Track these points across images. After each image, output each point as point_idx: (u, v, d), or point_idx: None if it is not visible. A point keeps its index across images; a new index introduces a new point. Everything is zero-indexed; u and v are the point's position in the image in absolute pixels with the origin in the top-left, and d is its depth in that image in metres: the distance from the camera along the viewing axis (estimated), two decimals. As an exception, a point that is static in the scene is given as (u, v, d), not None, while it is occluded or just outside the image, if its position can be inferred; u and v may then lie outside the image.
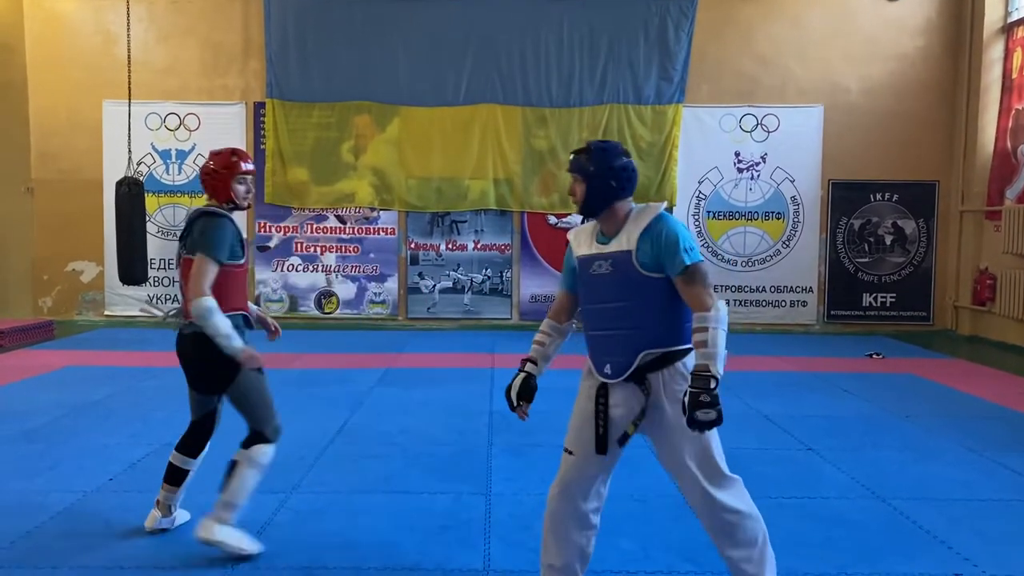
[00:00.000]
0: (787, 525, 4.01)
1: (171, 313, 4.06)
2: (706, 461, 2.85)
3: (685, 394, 2.72)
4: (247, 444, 3.74)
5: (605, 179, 2.92)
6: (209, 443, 3.98)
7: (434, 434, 5.70)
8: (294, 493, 4.48)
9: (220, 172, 3.76)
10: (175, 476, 3.89)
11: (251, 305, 4.05)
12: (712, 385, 2.66)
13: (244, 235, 3.74)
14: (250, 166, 3.84)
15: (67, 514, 4.14)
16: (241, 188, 3.79)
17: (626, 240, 2.90)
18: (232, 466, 3.69)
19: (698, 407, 2.65)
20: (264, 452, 3.73)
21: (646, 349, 2.86)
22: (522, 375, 3.12)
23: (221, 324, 3.54)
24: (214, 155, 3.83)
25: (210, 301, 3.52)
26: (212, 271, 3.58)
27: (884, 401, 6.83)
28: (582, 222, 3.17)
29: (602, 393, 2.93)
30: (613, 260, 2.91)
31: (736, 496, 2.88)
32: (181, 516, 4.00)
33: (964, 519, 4.15)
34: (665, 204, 3.05)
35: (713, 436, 2.86)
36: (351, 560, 3.62)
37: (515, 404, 3.10)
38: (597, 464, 2.98)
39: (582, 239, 3.07)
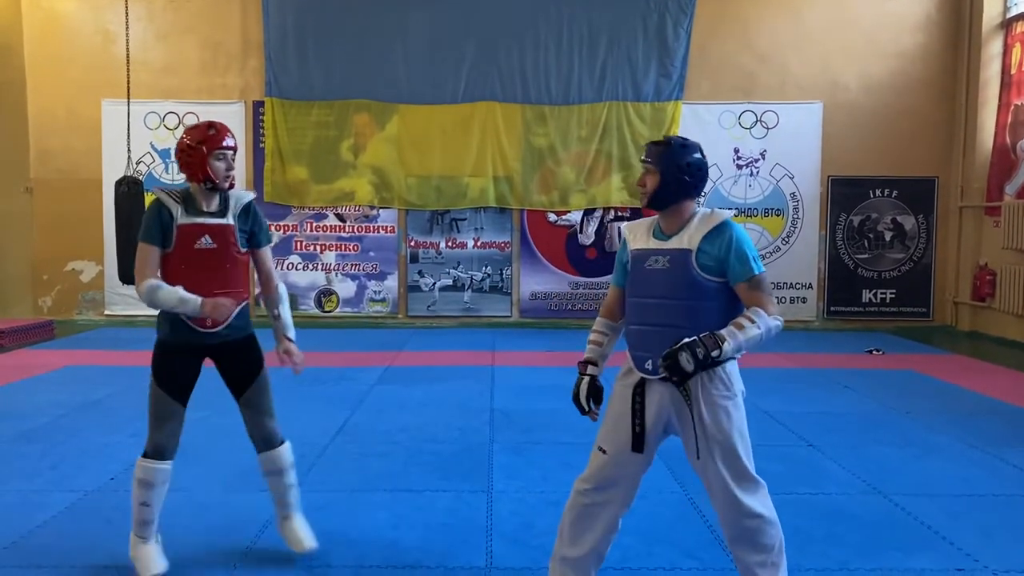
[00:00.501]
0: (788, 521, 3.99)
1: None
2: (735, 463, 2.86)
3: (681, 339, 2.74)
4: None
5: (680, 174, 2.90)
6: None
7: (435, 432, 5.70)
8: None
9: (195, 147, 3.35)
10: None
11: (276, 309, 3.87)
12: (715, 353, 2.69)
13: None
14: (231, 141, 3.46)
15: (68, 514, 4.14)
16: (220, 165, 3.38)
17: (687, 239, 2.89)
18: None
19: (683, 351, 2.67)
20: (139, 465, 3.51)
21: None
22: (587, 378, 3.06)
23: (167, 296, 3.26)
24: (189, 130, 3.44)
25: (149, 282, 3.27)
26: (148, 256, 3.31)
27: (884, 397, 6.84)
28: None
29: (639, 391, 2.92)
30: (671, 256, 2.90)
31: (761, 501, 2.88)
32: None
33: (965, 514, 4.15)
34: (733, 212, 3.05)
35: (743, 441, 2.87)
36: (353, 558, 3.62)
37: (587, 408, 3.04)
38: (632, 464, 2.96)
39: (638, 233, 3.05)
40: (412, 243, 11.25)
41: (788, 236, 11.18)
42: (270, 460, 3.64)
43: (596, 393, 3.05)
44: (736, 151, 11.13)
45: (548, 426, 5.84)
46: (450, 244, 11.22)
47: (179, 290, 3.31)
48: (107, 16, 10.92)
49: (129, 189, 10.08)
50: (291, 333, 3.81)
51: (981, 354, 9.12)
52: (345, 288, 11.29)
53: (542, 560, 3.46)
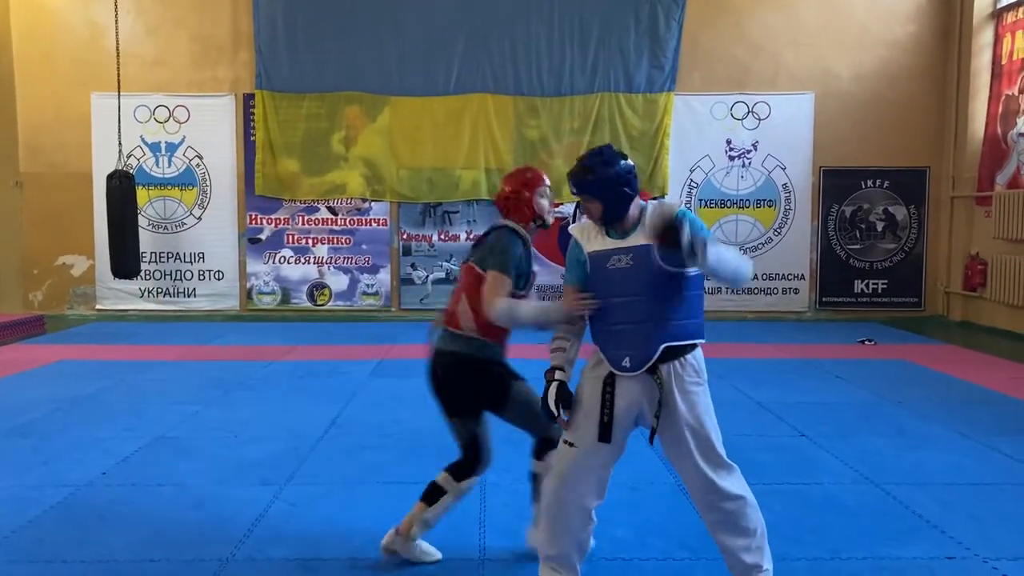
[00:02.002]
0: (781, 511, 4.03)
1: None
2: (709, 449, 2.91)
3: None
4: (540, 454, 3.49)
5: (617, 188, 2.93)
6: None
7: (428, 425, 5.66)
8: (288, 485, 4.48)
9: (519, 191, 3.50)
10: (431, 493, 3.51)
11: None
12: (698, 241, 2.68)
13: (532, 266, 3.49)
14: (547, 181, 3.64)
15: (60, 508, 4.12)
16: (544, 202, 3.54)
17: (646, 235, 2.90)
18: (534, 479, 3.51)
19: (683, 228, 2.67)
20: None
21: (667, 342, 2.89)
22: (555, 384, 3.02)
23: (526, 311, 3.23)
24: (507, 179, 3.62)
25: (503, 301, 3.21)
26: (505, 286, 3.27)
27: (876, 387, 6.86)
28: (574, 217, 3.17)
29: (609, 383, 2.93)
30: (634, 254, 2.91)
31: (737, 483, 2.94)
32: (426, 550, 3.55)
33: (956, 503, 4.17)
34: (681, 203, 3.07)
35: (713, 426, 2.94)
36: (346, 551, 3.62)
37: (557, 413, 2.99)
38: (601, 455, 2.98)
39: (590, 234, 3.04)
40: (404, 236, 11.24)
41: (780, 227, 11.19)
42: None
43: (566, 399, 3.01)
44: (728, 142, 11.13)
45: (541, 418, 5.84)
46: (443, 237, 11.20)
47: (533, 305, 3.32)
48: (96, 9, 10.84)
49: (120, 183, 10.06)
50: None
51: (972, 344, 9.15)
52: (338, 281, 11.26)
53: (534, 552, 3.47)
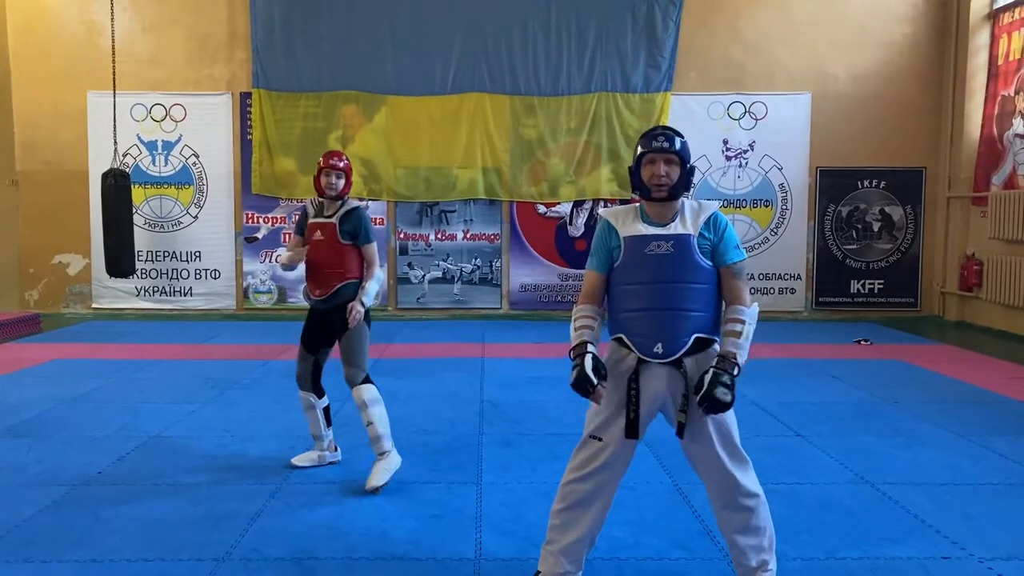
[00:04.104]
0: (777, 510, 4.00)
1: None
2: (730, 443, 2.96)
3: (706, 372, 2.84)
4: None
5: (691, 168, 3.02)
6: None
7: (424, 424, 5.70)
8: (284, 484, 4.47)
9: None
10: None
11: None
12: (736, 372, 2.82)
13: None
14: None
15: (55, 507, 4.12)
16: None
17: (685, 225, 2.97)
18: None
19: (718, 386, 2.78)
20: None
21: (698, 332, 2.93)
22: (590, 355, 2.89)
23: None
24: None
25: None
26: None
27: (872, 387, 6.87)
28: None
29: (633, 379, 2.94)
30: (675, 241, 2.94)
31: (754, 480, 2.99)
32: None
33: (952, 503, 4.18)
34: (720, 203, 3.14)
35: (734, 421, 2.98)
36: (342, 550, 3.62)
37: (594, 383, 2.85)
38: (626, 449, 3.01)
39: (626, 219, 3.05)
40: (401, 235, 11.23)
41: (777, 227, 11.21)
42: (353, 398, 4.54)
43: (601, 370, 2.89)
44: (725, 142, 11.14)
45: (537, 417, 5.85)
46: (439, 236, 11.20)
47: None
48: (92, 7, 10.83)
49: (116, 181, 10.04)
50: (364, 296, 4.66)
51: (968, 344, 9.17)
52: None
53: (531, 551, 3.48)
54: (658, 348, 2.91)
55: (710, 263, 2.96)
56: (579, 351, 2.93)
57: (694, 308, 2.93)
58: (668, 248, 2.94)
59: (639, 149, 3.01)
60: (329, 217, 4.61)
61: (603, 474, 3.01)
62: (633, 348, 2.96)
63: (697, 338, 2.93)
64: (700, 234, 2.95)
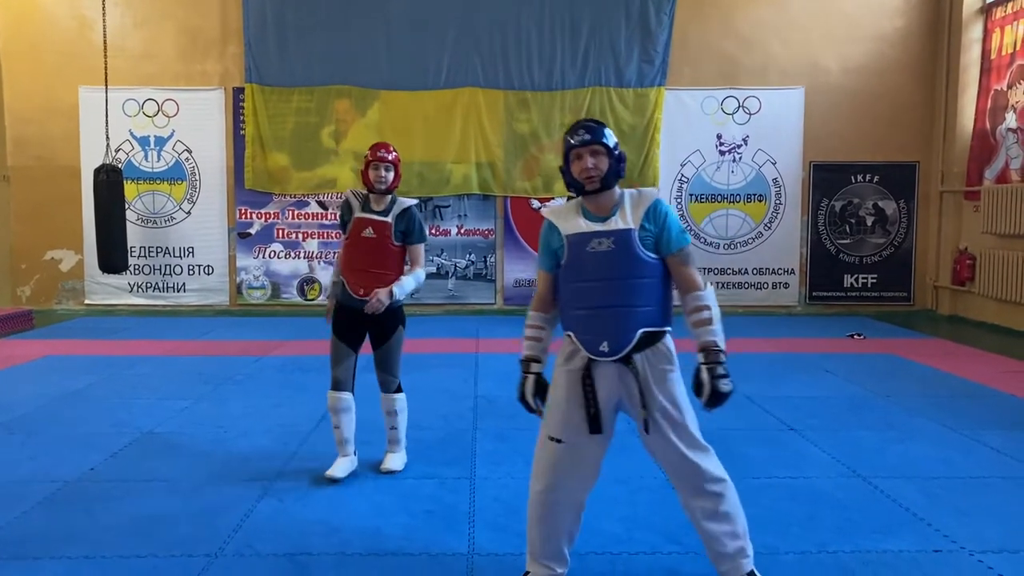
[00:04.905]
0: (769, 504, 4.05)
1: None
2: (687, 433, 2.94)
3: (698, 371, 2.87)
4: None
5: (619, 156, 2.98)
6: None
7: (418, 419, 5.68)
8: (278, 480, 4.47)
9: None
10: None
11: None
12: (724, 359, 2.83)
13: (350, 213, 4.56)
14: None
15: (48, 504, 4.11)
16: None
17: (625, 219, 2.93)
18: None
19: (717, 380, 2.81)
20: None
21: (644, 327, 2.91)
22: (532, 377, 3.04)
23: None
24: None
25: None
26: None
27: (865, 381, 6.89)
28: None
29: (587, 375, 2.94)
30: (616, 237, 2.92)
31: (717, 465, 2.98)
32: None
33: (943, 496, 4.20)
34: (658, 190, 3.13)
35: (688, 409, 2.96)
36: (335, 546, 3.62)
37: (534, 407, 3.03)
38: (594, 446, 3.00)
39: (566, 217, 3.03)
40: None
41: (770, 222, 11.22)
42: (384, 401, 4.59)
43: (542, 390, 3.05)
44: (719, 137, 11.14)
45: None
46: (433, 231, 11.19)
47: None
48: (83, 2, 10.77)
49: (108, 177, 10.00)
50: (396, 288, 4.43)
51: (961, 338, 9.20)
52: (328, 276, 11.22)
53: (525, 546, 3.47)
54: (604, 347, 2.91)
55: (654, 256, 2.93)
56: (524, 368, 3.07)
57: (639, 304, 2.91)
58: (609, 245, 2.92)
59: (564, 147, 3.00)
60: (380, 214, 4.42)
61: (572, 478, 3.00)
62: (581, 347, 2.96)
63: (644, 333, 2.91)
64: (641, 226, 2.91)
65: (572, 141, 2.95)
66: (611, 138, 2.97)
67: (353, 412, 4.52)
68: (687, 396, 2.96)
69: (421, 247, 4.56)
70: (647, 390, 2.89)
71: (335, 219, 11.15)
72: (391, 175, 4.40)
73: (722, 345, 2.87)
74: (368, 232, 4.37)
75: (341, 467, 4.45)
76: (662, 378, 2.91)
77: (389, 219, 4.40)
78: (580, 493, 3.04)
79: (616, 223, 2.94)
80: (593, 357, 2.93)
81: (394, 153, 4.42)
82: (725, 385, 2.82)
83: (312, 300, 11.21)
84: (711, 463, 2.95)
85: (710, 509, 2.95)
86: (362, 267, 4.39)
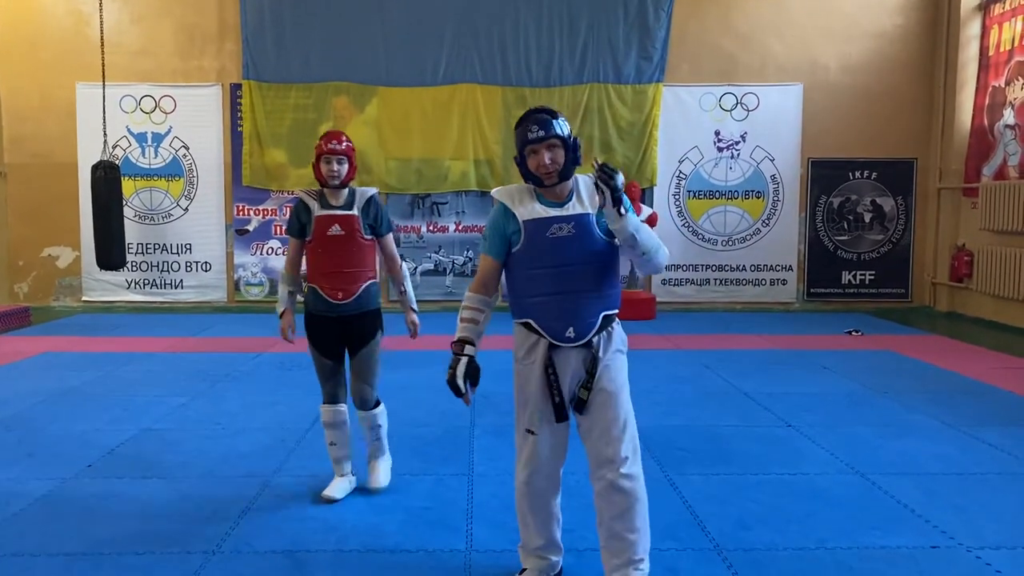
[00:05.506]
0: (767, 501, 4.05)
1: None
2: (629, 425, 2.95)
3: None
4: None
5: (574, 144, 2.94)
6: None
7: (416, 416, 5.70)
8: (275, 476, 4.47)
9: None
10: None
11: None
12: (619, 184, 2.76)
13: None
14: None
15: (45, 501, 4.10)
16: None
17: (583, 204, 2.94)
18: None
19: (616, 172, 2.77)
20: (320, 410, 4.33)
21: (606, 310, 2.96)
22: (464, 359, 2.95)
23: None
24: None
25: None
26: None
27: (863, 377, 6.89)
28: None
29: (549, 364, 2.95)
30: (576, 222, 2.92)
31: (639, 465, 2.97)
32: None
33: (941, 493, 4.20)
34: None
35: (628, 397, 2.99)
36: (333, 543, 3.61)
37: (463, 391, 2.94)
38: (560, 433, 3.02)
39: (523, 201, 2.98)
40: (393, 227, 11.17)
41: (768, 218, 11.22)
42: (364, 419, 4.21)
43: (474, 374, 2.96)
44: (717, 133, 11.13)
45: (529, 409, 5.84)
46: (431, 228, 11.18)
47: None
48: (80, -3, 10.74)
49: (106, 173, 9.98)
50: (415, 305, 4.42)
51: (958, 334, 9.20)
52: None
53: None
54: (570, 332, 2.91)
55: (610, 240, 2.95)
56: (456, 350, 2.99)
57: (600, 287, 2.94)
58: (569, 230, 2.91)
59: (518, 141, 2.94)
60: (343, 208, 4.06)
61: (549, 465, 3.03)
62: (544, 334, 2.94)
63: (606, 315, 2.95)
64: (599, 211, 2.91)
65: (528, 136, 2.89)
66: (564, 127, 2.91)
67: (348, 424, 4.22)
68: (627, 384, 3.01)
69: (391, 237, 4.28)
70: (602, 371, 2.93)
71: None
72: (345, 167, 4.05)
73: (628, 204, 2.84)
74: (335, 230, 4.00)
75: (339, 487, 4.15)
76: (612, 359, 2.96)
77: (355, 212, 4.04)
78: (557, 471, 3.08)
79: (574, 207, 2.93)
80: (556, 343, 2.93)
81: (346, 143, 4.10)
82: (618, 176, 2.77)
83: (310, 297, 11.17)
84: (638, 465, 2.94)
85: (621, 506, 2.91)
86: (334, 269, 4.03)
